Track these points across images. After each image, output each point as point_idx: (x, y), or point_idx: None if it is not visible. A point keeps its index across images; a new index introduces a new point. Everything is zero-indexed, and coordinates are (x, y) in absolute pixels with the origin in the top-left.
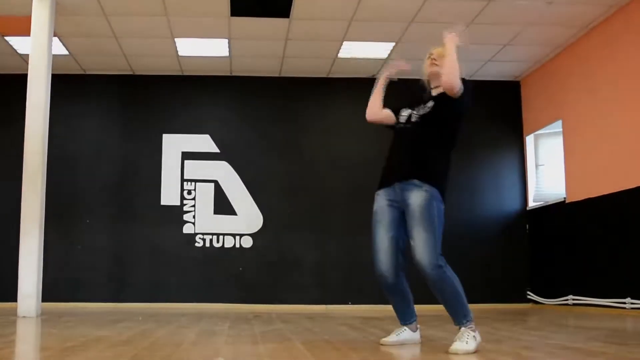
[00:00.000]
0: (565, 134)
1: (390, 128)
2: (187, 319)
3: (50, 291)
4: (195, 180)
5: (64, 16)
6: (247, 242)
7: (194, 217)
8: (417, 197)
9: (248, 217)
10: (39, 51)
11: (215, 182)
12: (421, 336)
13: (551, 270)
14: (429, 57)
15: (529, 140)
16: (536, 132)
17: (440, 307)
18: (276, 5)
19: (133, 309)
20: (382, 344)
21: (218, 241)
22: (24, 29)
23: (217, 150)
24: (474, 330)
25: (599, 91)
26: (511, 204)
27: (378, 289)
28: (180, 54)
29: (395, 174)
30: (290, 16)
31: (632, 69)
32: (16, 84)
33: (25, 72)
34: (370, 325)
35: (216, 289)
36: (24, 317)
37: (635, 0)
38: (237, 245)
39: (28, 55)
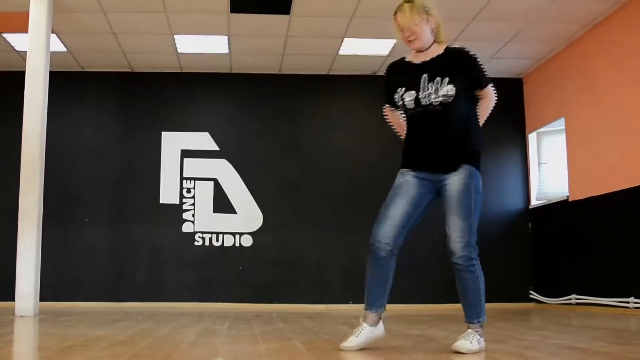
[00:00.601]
0: (568, 132)
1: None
2: (187, 319)
3: (48, 290)
4: (195, 179)
5: (62, 13)
6: (247, 241)
7: (193, 215)
8: (456, 181)
9: (248, 215)
10: (36, 48)
11: (215, 181)
12: (385, 329)
13: (554, 269)
14: (399, 29)
15: (532, 138)
16: (539, 130)
17: (440, 306)
18: (276, 2)
19: (132, 308)
20: (342, 350)
21: (217, 240)
22: (22, 26)
23: (217, 148)
24: (481, 335)
25: (602, 89)
26: (513, 202)
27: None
28: (179, 51)
29: (432, 164)
30: (291, 13)
31: (636, 66)
32: (13, 81)
33: (22, 70)
34: None
35: (216, 288)
36: (21, 316)
37: None
38: (237, 244)
39: (25, 52)
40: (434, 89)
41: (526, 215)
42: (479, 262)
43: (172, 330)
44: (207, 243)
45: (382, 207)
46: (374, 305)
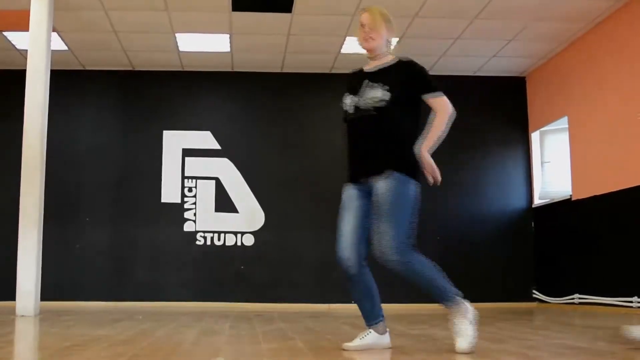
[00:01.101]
0: (571, 131)
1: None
2: (188, 318)
3: (49, 290)
4: (196, 178)
5: (63, 11)
6: (249, 240)
7: (194, 214)
8: (383, 186)
9: (249, 214)
10: (37, 46)
11: (217, 179)
12: (390, 340)
13: (557, 268)
14: (361, 27)
15: (535, 137)
16: (542, 129)
17: (437, 305)
18: (278, 0)
19: (133, 308)
20: (344, 349)
21: (219, 239)
22: (22, 24)
23: (218, 147)
24: (464, 311)
25: (605, 87)
26: (517, 201)
27: (381, 287)
28: (180, 49)
29: (364, 168)
30: (292, 11)
31: (639, 63)
32: (14, 80)
33: (23, 68)
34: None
35: (217, 288)
36: (22, 316)
37: None
38: (239, 243)
39: (26, 50)
40: (372, 94)
41: (529, 215)
42: (414, 257)
43: (173, 330)
44: (208, 242)
45: (338, 225)
46: (371, 320)
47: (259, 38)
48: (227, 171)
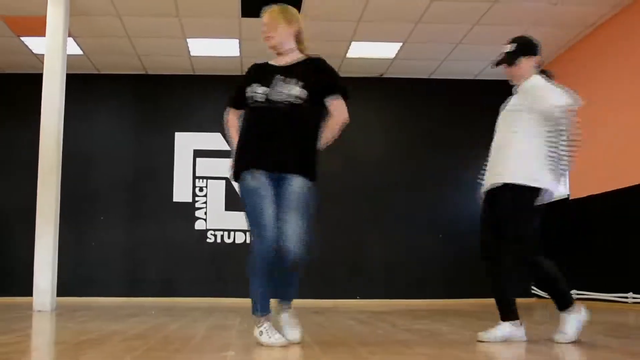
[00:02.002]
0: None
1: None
2: (199, 313)
3: (65, 286)
4: (207, 178)
5: (78, 17)
6: None
7: (205, 213)
8: (297, 184)
9: None
10: (53, 51)
11: (227, 179)
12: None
13: (555, 265)
14: (263, 26)
15: None
16: None
17: (443, 301)
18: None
19: (146, 303)
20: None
21: (229, 237)
22: (39, 30)
23: (228, 148)
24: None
25: (602, 90)
26: None
27: (385, 283)
28: (192, 53)
29: (276, 161)
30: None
31: (635, 67)
32: (32, 83)
33: (40, 72)
34: (378, 319)
35: (227, 284)
36: (39, 311)
37: (637, 2)
38: (248, 241)
39: (43, 55)
40: (286, 89)
41: None
42: (307, 257)
43: (185, 325)
44: (218, 240)
45: (254, 215)
46: (265, 311)
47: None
48: None
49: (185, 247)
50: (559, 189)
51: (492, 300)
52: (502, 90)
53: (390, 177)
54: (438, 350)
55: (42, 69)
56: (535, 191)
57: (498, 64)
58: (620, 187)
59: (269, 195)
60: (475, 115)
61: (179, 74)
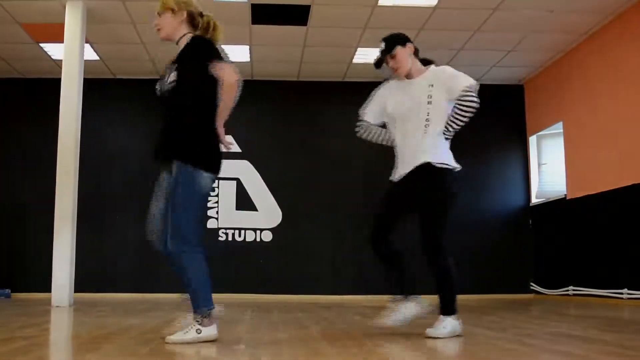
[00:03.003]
0: (566, 135)
1: None
2: None
3: (83, 282)
4: (219, 178)
5: (95, 24)
6: (267, 236)
7: (217, 212)
8: (171, 175)
9: (268, 212)
10: (71, 57)
11: (237, 180)
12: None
13: (553, 262)
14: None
15: (532, 140)
16: (539, 133)
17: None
18: (294, 14)
19: (161, 299)
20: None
21: (240, 235)
22: (58, 36)
23: (239, 150)
24: (199, 322)
25: (598, 94)
26: (515, 200)
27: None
28: None
29: (160, 152)
30: (308, 24)
31: (629, 72)
32: (50, 87)
33: (58, 77)
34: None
35: (238, 280)
36: (57, 306)
37: (631, 9)
38: (258, 239)
39: (61, 60)
40: (169, 77)
41: (527, 213)
42: (191, 254)
43: None
44: (230, 238)
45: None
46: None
47: (277, 49)
48: (247, 172)
49: None
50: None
51: (492, 296)
52: (502, 95)
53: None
54: (440, 343)
55: (61, 74)
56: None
57: (378, 64)
58: (616, 187)
59: (161, 190)
60: (476, 118)
61: None
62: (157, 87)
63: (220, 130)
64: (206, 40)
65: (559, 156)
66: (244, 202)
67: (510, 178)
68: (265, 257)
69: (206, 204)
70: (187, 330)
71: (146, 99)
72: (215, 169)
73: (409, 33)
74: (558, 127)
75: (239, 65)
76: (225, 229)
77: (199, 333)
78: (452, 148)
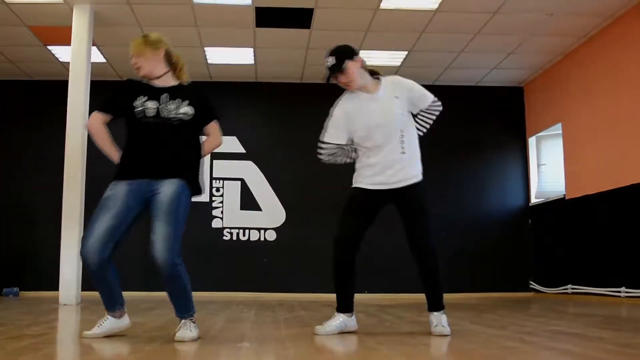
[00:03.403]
0: (565, 136)
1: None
2: (216, 306)
3: (90, 281)
4: (223, 179)
5: (102, 27)
6: (271, 236)
7: (222, 212)
8: (169, 189)
9: (272, 212)
10: (78, 59)
11: (242, 180)
12: (129, 321)
13: (552, 261)
14: (130, 56)
15: (532, 141)
16: (538, 134)
17: (446, 295)
18: (298, 17)
19: (165, 297)
20: (83, 337)
21: (244, 235)
22: (65, 39)
23: (244, 151)
24: (194, 322)
25: (596, 96)
26: (515, 200)
27: (391, 278)
28: (209, 61)
29: (153, 169)
30: (311, 27)
31: (627, 74)
32: (58, 89)
33: (66, 79)
34: (385, 312)
35: (242, 279)
36: (65, 304)
37: (629, 12)
38: (262, 239)
39: (68, 63)
40: (175, 106)
41: (526, 212)
42: (183, 265)
43: (203, 317)
44: (234, 237)
45: (91, 219)
46: (109, 308)
47: (281, 52)
48: (251, 173)
49: (203, 244)
50: None
51: (492, 294)
52: (502, 97)
53: None
54: (441, 340)
55: (68, 76)
56: None
57: (328, 79)
58: (614, 187)
59: (115, 208)
60: (477, 120)
61: (196, 81)
62: (153, 107)
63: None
64: (210, 98)
65: (558, 157)
66: (248, 202)
67: (510, 178)
68: (269, 256)
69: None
70: (191, 329)
71: None
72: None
73: (410, 36)
74: (557, 129)
75: (243, 67)
76: (230, 228)
77: (198, 328)
78: (453, 149)
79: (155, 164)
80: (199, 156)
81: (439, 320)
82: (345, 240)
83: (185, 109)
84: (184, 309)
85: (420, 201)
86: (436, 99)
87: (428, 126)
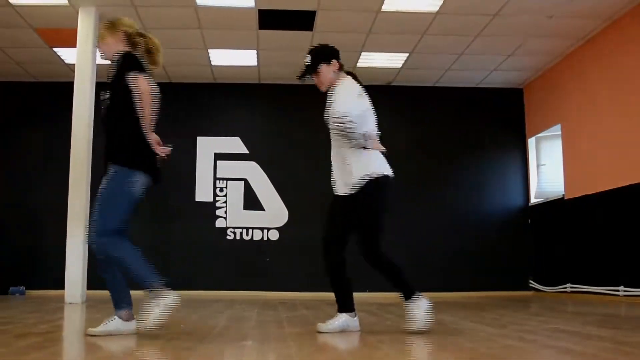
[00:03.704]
0: (564, 137)
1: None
2: (219, 305)
3: (95, 280)
4: (227, 179)
5: None
6: (274, 235)
7: (225, 212)
8: (105, 178)
9: (275, 212)
10: (84, 61)
11: (245, 181)
12: (136, 327)
13: (551, 260)
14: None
15: (531, 142)
16: (537, 135)
17: (444, 294)
18: (300, 19)
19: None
20: (87, 334)
21: (247, 234)
22: (71, 41)
23: (247, 152)
24: (161, 296)
25: (595, 97)
26: (515, 200)
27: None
28: (213, 63)
29: (103, 161)
30: (314, 29)
31: (626, 76)
32: (63, 91)
33: (71, 80)
34: (386, 311)
35: (245, 278)
36: (70, 303)
37: (628, 14)
38: (265, 238)
39: (74, 64)
40: (104, 95)
41: (526, 212)
42: (114, 243)
43: (206, 316)
44: (238, 237)
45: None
46: (116, 307)
47: (284, 53)
48: (254, 173)
49: (207, 243)
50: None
51: (492, 293)
52: (502, 98)
53: (397, 177)
54: (442, 339)
55: (73, 77)
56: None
57: (302, 77)
58: (612, 188)
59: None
60: (477, 121)
61: (201, 82)
62: (102, 98)
63: (150, 137)
64: (128, 54)
65: (557, 157)
66: (251, 202)
67: (510, 179)
68: (272, 255)
69: (136, 207)
70: (153, 308)
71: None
72: (147, 168)
73: (411, 37)
74: (556, 130)
75: (246, 69)
76: (234, 228)
77: (164, 299)
78: (454, 149)
79: (104, 156)
80: (132, 133)
81: (410, 309)
82: (326, 242)
83: (107, 95)
84: (141, 282)
85: (344, 210)
86: (336, 117)
87: (345, 135)
